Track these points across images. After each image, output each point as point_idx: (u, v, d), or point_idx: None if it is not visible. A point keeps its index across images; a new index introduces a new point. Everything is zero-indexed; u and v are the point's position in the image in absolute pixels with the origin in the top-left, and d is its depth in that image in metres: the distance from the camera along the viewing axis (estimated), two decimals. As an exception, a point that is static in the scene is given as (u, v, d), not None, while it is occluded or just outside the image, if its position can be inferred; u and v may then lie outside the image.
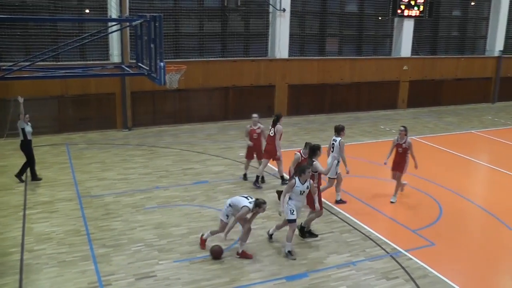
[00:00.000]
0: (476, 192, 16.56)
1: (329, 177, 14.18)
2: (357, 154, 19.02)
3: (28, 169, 15.74)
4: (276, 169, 16.12)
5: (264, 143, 15.71)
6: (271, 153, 15.45)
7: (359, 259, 11.39)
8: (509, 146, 21.68)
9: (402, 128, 14.54)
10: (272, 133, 15.38)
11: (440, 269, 11.06)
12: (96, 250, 11.23)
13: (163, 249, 11.49)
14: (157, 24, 10.20)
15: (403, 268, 11.07)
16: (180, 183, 15.74)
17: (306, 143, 13.20)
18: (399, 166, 14.61)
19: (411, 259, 11.48)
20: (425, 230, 13.00)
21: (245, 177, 16.20)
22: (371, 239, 12.37)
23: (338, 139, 14.20)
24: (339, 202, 14.45)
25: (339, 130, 14.36)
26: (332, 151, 14.22)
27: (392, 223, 13.48)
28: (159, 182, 15.80)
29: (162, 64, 10.16)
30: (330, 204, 14.38)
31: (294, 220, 11.28)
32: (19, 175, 15.66)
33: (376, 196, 15.28)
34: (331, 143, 14.30)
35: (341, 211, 13.94)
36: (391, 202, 14.66)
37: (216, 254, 11.10)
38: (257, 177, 15.58)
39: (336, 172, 14.25)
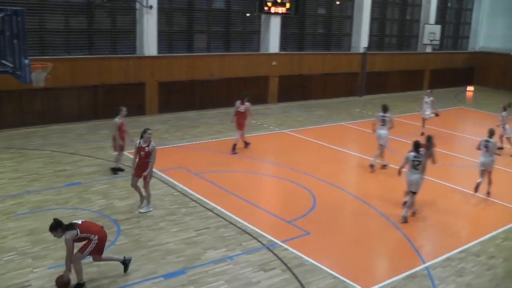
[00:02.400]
0: (348, 180, 17.37)
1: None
2: (229, 149, 19.25)
3: None
4: None
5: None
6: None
7: (236, 253, 11.59)
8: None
9: None
10: None
11: (315, 257, 11.50)
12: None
13: (37, 256, 11.08)
14: (19, 19, 9.86)
15: (279, 258, 11.39)
16: (53, 186, 15.24)
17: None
18: None
19: (287, 249, 11.84)
20: (300, 221, 13.44)
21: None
22: (247, 232, 12.61)
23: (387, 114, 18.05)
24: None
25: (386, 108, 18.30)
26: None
27: (267, 215, 13.81)
28: (30, 186, 15.19)
29: (26, 61, 9.86)
30: (205, 199, 14.50)
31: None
32: None
33: (250, 190, 15.58)
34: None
35: (216, 206, 14.09)
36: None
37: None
38: None
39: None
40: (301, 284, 10.44)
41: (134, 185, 13.67)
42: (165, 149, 19.26)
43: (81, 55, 23.14)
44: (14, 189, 14.86)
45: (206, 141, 20.78)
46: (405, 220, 13.53)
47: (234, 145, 19.24)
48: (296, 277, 10.69)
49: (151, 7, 24.03)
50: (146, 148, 13.26)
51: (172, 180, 15.95)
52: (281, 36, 29.17)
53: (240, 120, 19.33)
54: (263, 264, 11.15)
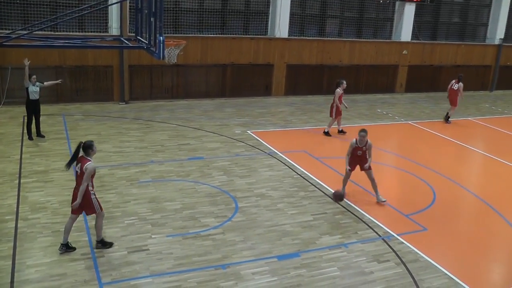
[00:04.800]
0: (471, 179, 16.61)
1: None
2: (353, 137, 19.01)
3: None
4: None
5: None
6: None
7: (351, 241, 11.44)
8: (503, 134, 21.73)
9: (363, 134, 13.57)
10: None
11: (431, 254, 11.12)
12: (89, 221, 11.21)
13: (156, 223, 11.53)
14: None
15: (394, 251, 11.12)
16: (175, 158, 15.75)
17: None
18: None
19: (402, 243, 11.53)
20: (418, 215, 13.04)
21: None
22: (363, 221, 12.42)
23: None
24: None
25: None
26: None
27: (385, 206, 13.50)
28: (154, 157, 15.80)
29: (161, 38, 10.11)
30: (324, 185, 14.43)
31: None
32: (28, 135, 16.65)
33: (369, 179, 15.29)
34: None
35: (330, 188, 13.99)
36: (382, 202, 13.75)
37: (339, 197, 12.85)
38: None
39: None
40: (414, 280, 10.14)
41: (345, 180, 13.76)
42: (289, 131, 19.37)
43: (213, 34, 23.64)
44: (139, 158, 15.51)
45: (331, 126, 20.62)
46: None
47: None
48: (410, 273, 10.39)
49: (286, -11, 24.09)
50: (364, 147, 13.34)
51: (293, 163, 15.98)
52: (414, 24, 28.39)
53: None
54: (378, 255, 10.93)
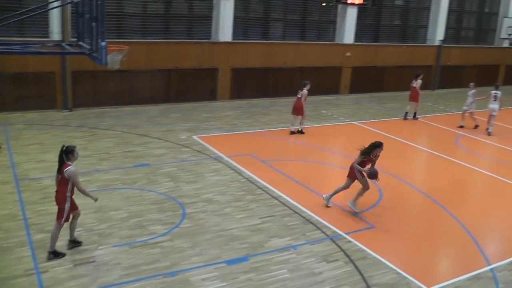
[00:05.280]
0: (416, 176, 16.97)
1: None
2: (298, 138, 19.22)
3: None
4: None
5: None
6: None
7: (300, 243, 11.49)
8: (445, 131, 22.24)
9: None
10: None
11: (379, 251, 11.30)
12: (33, 235, 10.95)
13: (103, 233, 11.32)
14: (99, 2, 10.00)
15: (343, 250, 11.22)
16: (121, 166, 15.53)
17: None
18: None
19: (350, 241, 11.66)
20: (365, 213, 13.21)
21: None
22: (311, 222, 12.49)
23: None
24: None
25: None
26: None
27: (332, 206, 13.57)
28: (99, 165, 15.54)
29: (103, 43, 9.99)
30: (271, 187, 14.46)
31: None
32: None
33: (316, 180, 15.44)
34: None
35: (282, 194, 14.02)
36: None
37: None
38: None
39: None
40: (363, 278, 10.26)
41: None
42: (235, 135, 19.35)
43: (157, 39, 23.45)
44: (84, 167, 15.16)
45: (276, 129, 20.73)
46: None
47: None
48: (359, 270, 10.52)
49: (228, -8, 24.08)
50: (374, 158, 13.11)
51: (239, 167, 15.96)
52: (356, 27, 28.78)
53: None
54: (327, 255, 11.01)
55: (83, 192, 10.26)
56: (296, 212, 13.01)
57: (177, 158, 16.49)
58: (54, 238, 10.20)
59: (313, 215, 12.90)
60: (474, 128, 22.69)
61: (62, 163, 10.15)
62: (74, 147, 10.33)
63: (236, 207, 13.13)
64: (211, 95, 24.78)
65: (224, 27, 24.53)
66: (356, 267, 10.61)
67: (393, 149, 19.18)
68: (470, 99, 22.73)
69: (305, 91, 19.78)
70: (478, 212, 14.02)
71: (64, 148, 10.18)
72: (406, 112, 24.02)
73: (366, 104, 27.18)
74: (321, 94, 27.78)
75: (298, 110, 19.93)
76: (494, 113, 22.15)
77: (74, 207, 10.44)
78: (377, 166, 12.98)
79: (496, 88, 22.57)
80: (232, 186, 14.46)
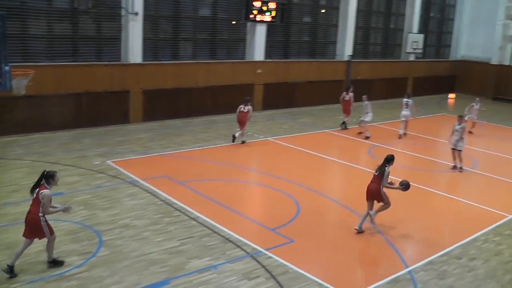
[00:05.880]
0: (331, 187, 17.37)
1: None
2: (213, 158, 19.19)
3: None
4: None
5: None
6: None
7: (220, 262, 11.46)
8: (359, 143, 22.81)
9: None
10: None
11: (300, 265, 11.44)
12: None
13: (16, 270, 10.80)
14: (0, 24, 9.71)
15: (263, 267, 11.29)
16: (33, 196, 14.99)
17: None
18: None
19: (271, 257, 11.74)
20: (284, 228, 13.36)
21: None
22: (231, 241, 12.48)
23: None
24: None
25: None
26: None
27: (251, 223, 13.69)
28: (10, 198, 14.89)
29: (7, 68, 9.71)
30: (189, 208, 14.36)
31: None
32: None
33: (234, 198, 15.46)
34: None
35: (200, 215, 13.94)
36: None
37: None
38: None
39: None
40: (285, 292, 10.36)
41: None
42: (149, 158, 19.11)
43: (65, 62, 22.87)
44: (-8, 200, 14.58)
45: (191, 149, 20.61)
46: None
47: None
48: (280, 285, 10.59)
49: (136, 13, 23.80)
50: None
51: (155, 189, 15.76)
52: (266, 44, 29.14)
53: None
54: (247, 273, 11.03)
55: (49, 213, 10.63)
56: (215, 232, 12.96)
57: (91, 185, 16.10)
58: (50, 249, 10.81)
59: (232, 233, 12.89)
60: (360, 135, 24.38)
61: (38, 185, 10.44)
62: (55, 172, 10.76)
63: (154, 230, 12.94)
64: (124, 118, 24.38)
65: (134, 48, 24.25)
66: (278, 282, 10.68)
67: (307, 163, 19.53)
68: (366, 110, 24.42)
69: (250, 106, 21.77)
70: (395, 218, 14.40)
71: (46, 172, 10.60)
72: (344, 121, 25.68)
73: (279, 120, 27.49)
74: (233, 113, 27.88)
75: (243, 123, 21.65)
76: (403, 119, 24.51)
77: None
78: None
79: (408, 97, 24.88)
80: (149, 210, 14.25)
